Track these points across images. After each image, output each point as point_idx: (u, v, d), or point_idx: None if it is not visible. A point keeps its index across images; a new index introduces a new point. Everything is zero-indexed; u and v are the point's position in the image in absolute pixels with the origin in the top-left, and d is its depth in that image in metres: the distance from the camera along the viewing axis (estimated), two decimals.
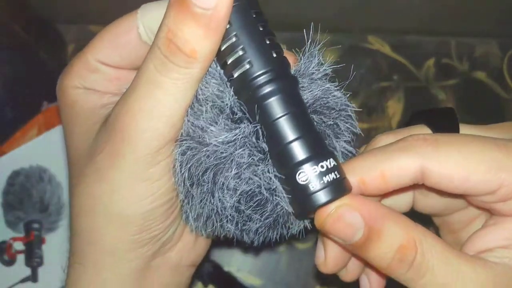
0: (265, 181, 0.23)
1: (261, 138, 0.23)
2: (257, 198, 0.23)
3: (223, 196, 0.23)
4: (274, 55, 0.23)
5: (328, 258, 0.25)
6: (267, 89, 0.22)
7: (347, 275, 0.27)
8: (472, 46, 0.60)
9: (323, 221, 0.21)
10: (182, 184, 0.23)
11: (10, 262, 0.46)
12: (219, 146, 0.22)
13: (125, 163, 0.22)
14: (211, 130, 0.22)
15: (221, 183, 0.23)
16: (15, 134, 0.49)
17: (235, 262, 0.54)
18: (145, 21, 0.23)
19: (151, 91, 0.21)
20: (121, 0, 0.54)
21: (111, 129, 0.22)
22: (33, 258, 0.46)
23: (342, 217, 0.21)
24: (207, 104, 0.22)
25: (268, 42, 0.23)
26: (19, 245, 0.46)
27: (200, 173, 0.23)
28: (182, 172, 0.23)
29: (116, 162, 0.22)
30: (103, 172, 0.22)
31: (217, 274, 0.50)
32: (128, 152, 0.22)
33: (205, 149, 0.22)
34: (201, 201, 0.23)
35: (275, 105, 0.22)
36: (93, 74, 0.25)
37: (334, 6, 0.55)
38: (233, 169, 0.23)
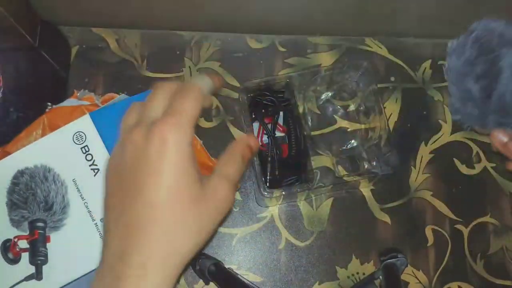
0: None
1: None
2: None
3: None
4: None
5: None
6: None
7: None
8: None
9: None
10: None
11: (15, 260, 0.46)
12: None
13: None
14: None
15: None
16: (20, 135, 0.49)
17: (235, 260, 0.54)
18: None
19: None
20: (124, 3, 0.55)
21: None
22: (37, 256, 0.46)
23: None
24: None
25: None
26: (23, 243, 0.46)
27: None
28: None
29: None
30: None
31: (218, 272, 0.51)
32: None
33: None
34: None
35: None
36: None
37: (334, 10, 0.55)
38: None
